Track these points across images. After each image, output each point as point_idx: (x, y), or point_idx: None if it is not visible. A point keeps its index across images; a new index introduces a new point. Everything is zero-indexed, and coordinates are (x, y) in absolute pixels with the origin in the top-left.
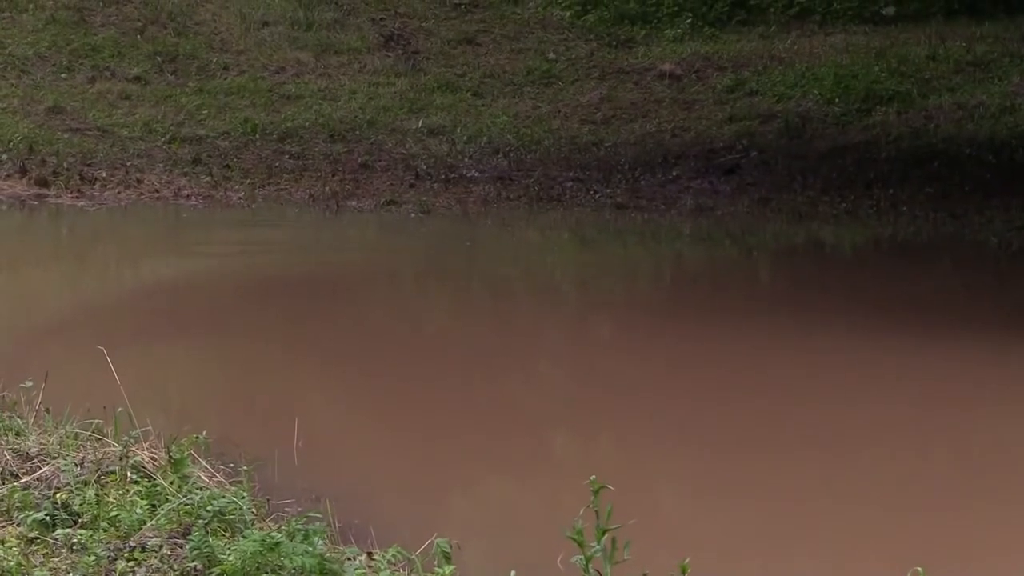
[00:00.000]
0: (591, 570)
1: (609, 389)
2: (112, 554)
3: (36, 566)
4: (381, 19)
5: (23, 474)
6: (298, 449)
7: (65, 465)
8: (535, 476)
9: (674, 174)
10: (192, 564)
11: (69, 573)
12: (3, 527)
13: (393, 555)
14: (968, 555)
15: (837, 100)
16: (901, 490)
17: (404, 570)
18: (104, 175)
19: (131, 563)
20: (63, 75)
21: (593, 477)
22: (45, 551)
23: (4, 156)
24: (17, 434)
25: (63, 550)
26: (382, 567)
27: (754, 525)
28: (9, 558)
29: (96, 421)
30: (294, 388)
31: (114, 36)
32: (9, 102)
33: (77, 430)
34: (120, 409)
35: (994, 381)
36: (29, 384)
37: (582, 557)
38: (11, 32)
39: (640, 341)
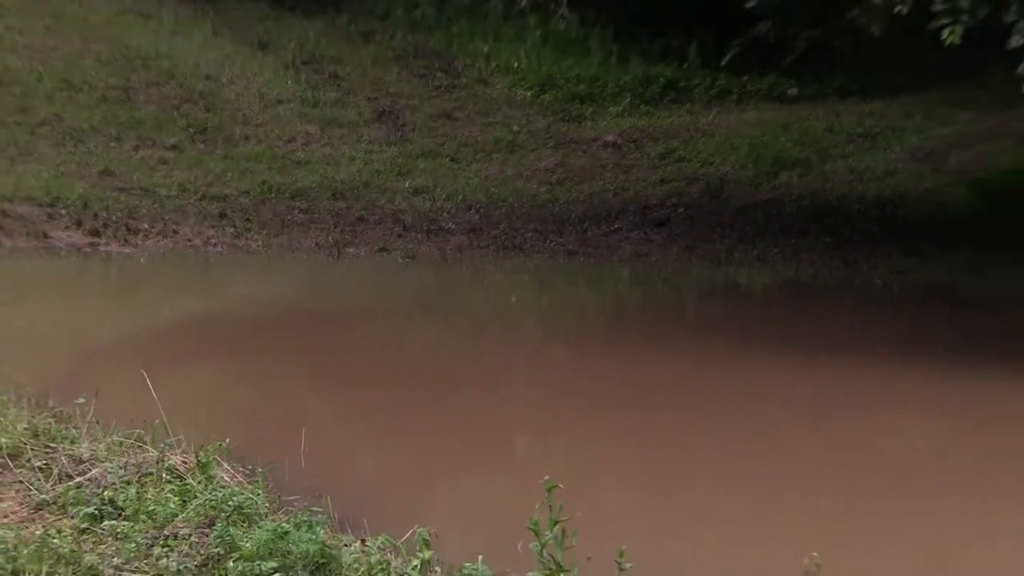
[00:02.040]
0: (545, 554)
1: (563, 402)
2: (150, 541)
3: (87, 552)
4: (375, 98)
5: (76, 475)
6: (304, 454)
7: (111, 468)
8: (502, 475)
9: (616, 226)
10: (216, 549)
11: (114, 558)
12: (59, 519)
13: (382, 542)
14: (858, 542)
15: (750, 165)
16: (803, 484)
17: (392, 555)
18: (146, 227)
19: (165, 549)
20: (112, 144)
21: (547, 478)
22: (94, 539)
23: (63, 211)
24: (72, 442)
25: (109, 538)
26: (373, 552)
27: (681, 515)
28: (64, 545)
29: (137, 431)
30: (302, 403)
31: (155, 112)
32: (68, 166)
33: (121, 439)
34: (157, 421)
35: (874, 393)
36: (82, 400)
37: (538, 544)
38: (69, 108)
39: (589, 362)
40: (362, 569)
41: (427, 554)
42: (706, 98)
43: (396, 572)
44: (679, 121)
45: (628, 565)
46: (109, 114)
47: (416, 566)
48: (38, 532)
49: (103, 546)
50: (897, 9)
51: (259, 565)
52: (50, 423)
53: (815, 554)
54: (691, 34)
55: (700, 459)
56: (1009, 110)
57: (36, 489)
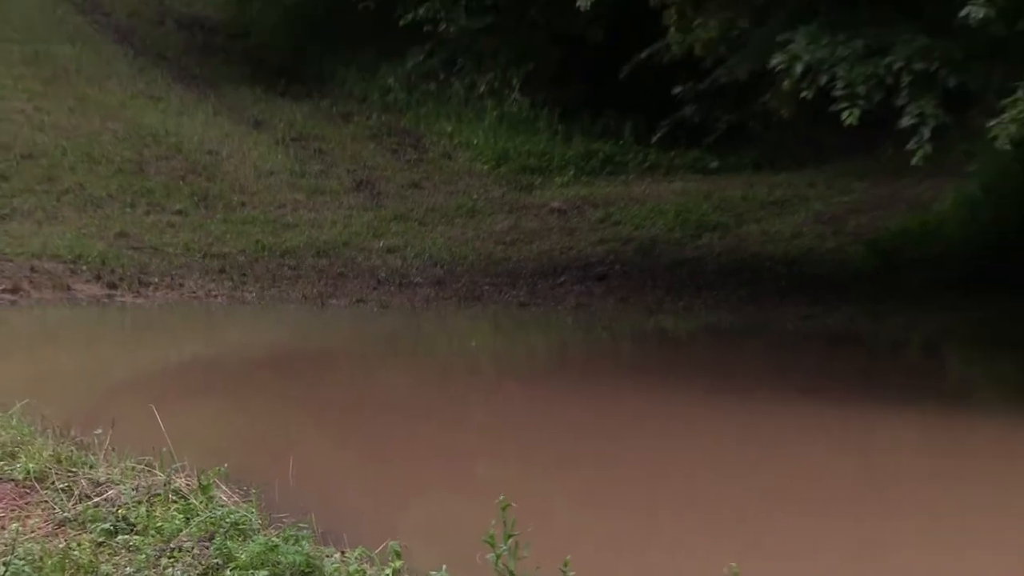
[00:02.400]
0: (500, 564)
1: (516, 430)
2: (158, 553)
3: (103, 562)
4: (354, 170)
5: (94, 496)
6: (292, 477)
7: (125, 489)
8: (464, 495)
9: (561, 280)
10: (215, 560)
11: (127, 567)
12: (79, 534)
13: (359, 554)
14: (768, 554)
15: (676, 228)
16: (723, 503)
17: (367, 564)
18: (156, 281)
19: (171, 560)
20: (127, 209)
21: (502, 497)
22: (110, 551)
23: (84, 267)
24: (91, 467)
25: (123, 551)
26: (351, 562)
27: (619, 530)
28: (83, 556)
29: (147, 458)
30: (290, 433)
31: (164, 182)
32: (88, 229)
33: (134, 464)
34: (164, 449)
35: (782, 421)
36: (99, 431)
37: (494, 555)
38: (89, 179)
39: (538, 396)
40: (338, 572)
41: (398, 563)
42: (639, 170)
43: (359, 570)
44: (616, 190)
45: (572, 574)
46: (124, 184)
47: (388, 574)
48: (61, 545)
49: (117, 557)
50: (803, 94)
51: (253, 574)
52: (72, 451)
53: (734, 564)
54: (626, 115)
55: (634, 480)
56: (898, 180)
57: (59, 508)
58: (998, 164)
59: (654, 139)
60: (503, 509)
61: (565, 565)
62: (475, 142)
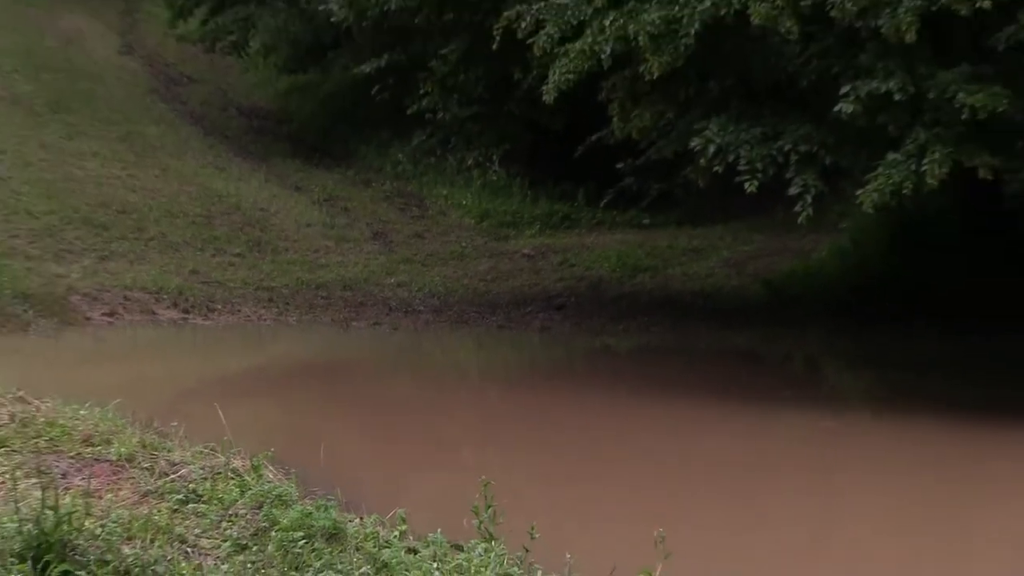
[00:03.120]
0: (482, 528)
1: (493, 422)
2: (219, 518)
3: (177, 525)
4: (372, 223)
5: (171, 474)
6: (323, 460)
7: (194, 468)
8: (456, 474)
9: (529, 309)
10: (263, 524)
11: (195, 528)
12: (158, 503)
13: (374, 520)
14: (689, 521)
15: (618, 269)
16: (657, 482)
17: (380, 527)
18: (219, 307)
19: (230, 523)
20: (198, 252)
21: (483, 477)
22: (182, 516)
23: (165, 296)
24: (168, 451)
25: (192, 516)
26: (368, 526)
27: (576, 503)
28: (161, 520)
29: (212, 444)
30: (322, 425)
31: (226, 231)
32: (168, 267)
33: (201, 449)
34: (225, 437)
35: (698, 416)
36: (175, 424)
37: (478, 521)
38: (170, 228)
39: (510, 395)
40: (360, 537)
41: (403, 527)
42: (589, 225)
43: (383, 539)
44: (571, 240)
45: (537, 535)
46: (196, 233)
47: (396, 535)
48: (144, 511)
49: (188, 521)
50: (715, 169)
51: (292, 534)
52: (154, 438)
53: (660, 529)
54: (580, 184)
55: (587, 463)
56: (788, 234)
57: (143, 482)
58: (863, 223)
59: (602, 202)
60: (484, 486)
61: (532, 529)
62: (464, 203)
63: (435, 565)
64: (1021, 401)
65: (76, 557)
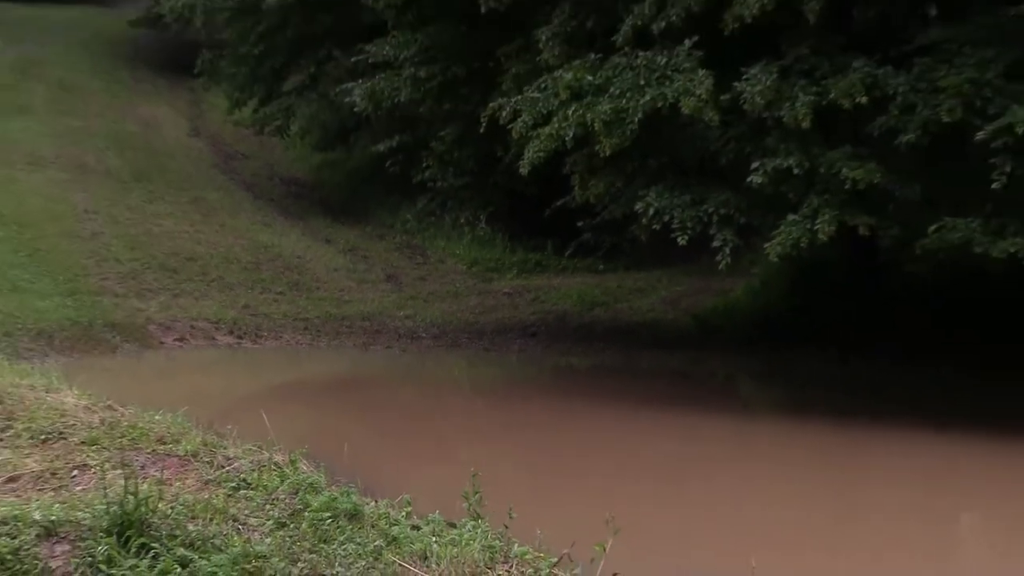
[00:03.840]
0: (471, 509)
1: (483, 423)
2: (264, 501)
3: (231, 507)
4: (385, 269)
5: (226, 466)
6: (346, 455)
7: (245, 462)
8: (451, 467)
9: (509, 336)
10: (299, 506)
11: (245, 510)
12: (216, 489)
13: (386, 503)
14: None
15: (578, 304)
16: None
17: (390, 509)
18: (266, 334)
19: (271, 505)
20: (248, 291)
21: (473, 469)
22: (235, 500)
23: (223, 325)
24: (224, 448)
25: (243, 500)
26: (381, 508)
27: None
28: (218, 503)
29: (258, 443)
30: (346, 425)
31: (271, 274)
32: (225, 302)
33: (250, 447)
34: (269, 437)
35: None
36: (230, 427)
37: (467, 504)
38: (226, 272)
39: (496, 403)
40: (375, 517)
41: (408, 509)
42: (556, 270)
43: (392, 518)
44: (542, 282)
45: (514, 515)
46: (247, 276)
47: (403, 515)
48: (205, 496)
49: (240, 504)
50: (654, 226)
51: (321, 515)
52: (213, 438)
53: (611, 513)
54: (548, 237)
55: (556, 457)
56: (711, 278)
57: (204, 473)
58: (770, 269)
59: (566, 252)
60: (473, 477)
61: (510, 510)
62: (458, 252)
63: (433, 539)
64: (891, 409)
65: (151, 533)
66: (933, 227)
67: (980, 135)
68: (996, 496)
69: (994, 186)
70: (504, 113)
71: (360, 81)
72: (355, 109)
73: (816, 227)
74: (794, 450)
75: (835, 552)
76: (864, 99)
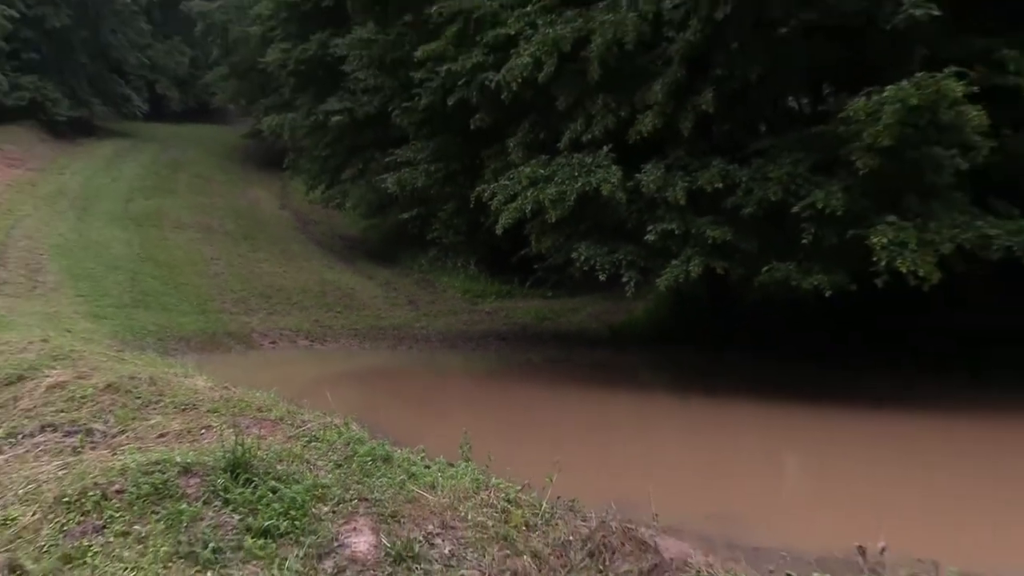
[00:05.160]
0: (464, 454)
1: (472, 398)
2: (327, 450)
3: (305, 454)
4: (408, 296)
5: (302, 427)
6: (382, 419)
7: (314, 425)
8: (452, 428)
9: (489, 339)
10: (350, 452)
11: (315, 455)
12: (295, 441)
13: (408, 451)
14: (582, 452)
15: (534, 319)
16: (561, 430)
17: (411, 454)
18: (330, 339)
19: (332, 452)
20: (318, 311)
21: (465, 429)
22: (308, 449)
23: (301, 333)
24: (301, 415)
25: (313, 448)
26: (405, 455)
27: (517, 441)
28: (296, 450)
29: (324, 411)
30: (381, 399)
31: (332, 300)
32: (304, 318)
33: (319, 414)
34: (330, 407)
35: (573, 395)
36: (305, 401)
37: (461, 451)
38: (303, 299)
39: (481, 383)
40: (401, 460)
41: (423, 455)
42: (520, 296)
43: (412, 461)
44: (511, 304)
45: (492, 459)
46: (316, 300)
47: (420, 459)
48: (288, 447)
49: (310, 451)
50: (584, 268)
51: (365, 458)
52: (294, 408)
53: (556, 464)
54: (515, 275)
55: (521, 420)
56: (622, 301)
57: (288, 431)
58: (661, 296)
59: (527, 285)
60: (465, 434)
61: (489, 456)
62: (456, 285)
63: (439, 474)
64: (740, 385)
65: (252, 470)
66: (765, 268)
67: (794, 209)
68: (817, 441)
69: (803, 242)
70: (486, 194)
71: (392, 173)
72: (388, 191)
73: (689, 268)
74: (682, 415)
75: (693, 473)
76: (720, 185)
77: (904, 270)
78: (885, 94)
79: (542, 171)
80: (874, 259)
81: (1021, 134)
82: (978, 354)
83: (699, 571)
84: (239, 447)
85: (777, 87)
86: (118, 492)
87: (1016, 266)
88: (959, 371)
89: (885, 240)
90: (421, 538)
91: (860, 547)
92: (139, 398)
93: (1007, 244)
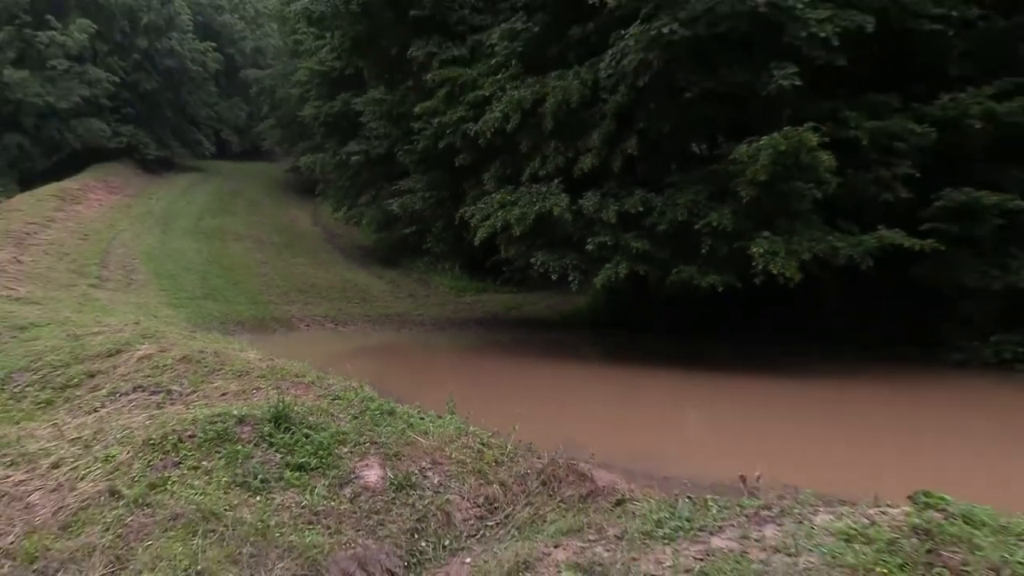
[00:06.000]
0: (450, 409)
1: (457, 368)
2: (347, 405)
3: (331, 410)
4: (408, 291)
5: (327, 388)
6: (389, 383)
7: (337, 386)
8: (441, 387)
9: (469, 324)
10: (364, 407)
11: (337, 409)
12: (323, 400)
13: (407, 407)
14: (538, 409)
15: (502, 308)
16: (526, 391)
17: (408, 408)
18: (350, 323)
19: (351, 407)
20: (342, 302)
21: (451, 390)
22: (334, 405)
23: (329, 318)
24: (328, 379)
25: (336, 404)
26: (405, 410)
27: (490, 399)
28: (324, 406)
29: (344, 376)
30: (388, 368)
31: (352, 294)
32: (329, 307)
33: (341, 378)
34: (351, 375)
35: (529, 360)
36: (331, 369)
37: (448, 406)
38: (329, 293)
39: (462, 356)
40: (403, 414)
41: (419, 409)
42: (493, 291)
43: (411, 414)
44: (486, 298)
45: (471, 414)
46: (340, 294)
47: (416, 412)
48: (318, 404)
49: (334, 407)
50: (540, 270)
51: (375, 412)
52: (323, 374)
53: (517, 420)
54: (488, 276)
55: (493, 384)
56: (568, 295)
57: (317, 392)
58: (597, 291)
59: (498, 283)
60: (450, 394)
61: (469, 413)
62: (445, 283)
63: (430, 424)
64: (661, 362)
65: (291, 420)
66: (675, 271)
67: (696, 226)
68: (713, 399)
69: (703, 251)
70: (467, 214)
71: (396, 199)
72: (394, 212)
73: (619, 270)
74: (604, 377)
75: (621, 422)
76: (641, 208)
77: (775, 272)
78: (761, 142)
79: (509, 197)
80: (754, 264)
81: (859, 173)
82: (830, 335)
83: (623, 494)
84: (281, 403)
85: (684, 137)
86: (190, 436)
87: (856, 270)
88: (815, 348)
89: (762, 250)
90: (417, 471)
91: (742, 476)
92: (206, 367)
93: (849, 253)
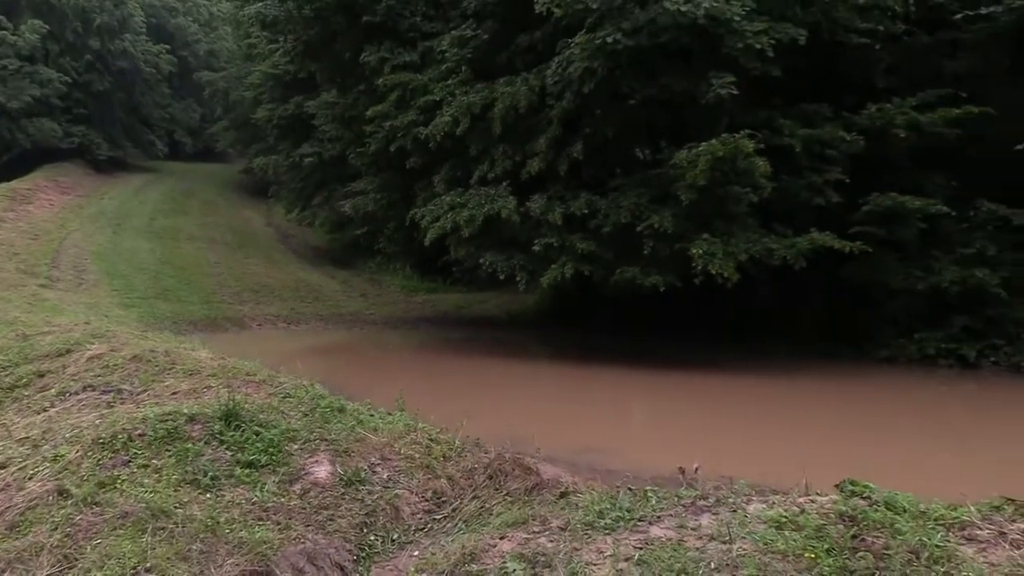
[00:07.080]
0: (399, 405)
1: (407, 365)
2: (298, 403)
3: (281, 407)
4: (360, 290)
5: (278, 386)
6: (340, 380)
7: (288, 386)
8: (391, 385)
9: (420, 322)
10: (314, 405)
11: (290, 408)
12: (273, 398)
13: (357, 404)
14: (490, 404)
15: (453, 307)
16: (475, 387)
17: (360, 407)
18: (302, 322)
19: (301, 404)
20: (294, 302)
21: (401, 388)
22: (284, 403)
23: (281, 317)
24: (279, 378)
25: (287, 402)
26: (355, 407)
27: (441, 395)
28: (275, 404)
29: (296, 375)
30: (339, 366)
31: (304, 293)
32: (282, 307)
33: (293, 378)
34: (302, 373)
35: (488, 356)
36: (282, 368)
37: (398, 403)
38: (283, 293)
39: (413, 355)
40: (353, 411)
41: (369, 407)
42: (443, 291)
43: (360, 411)
44: (436, 297)
45: (419, 410)
46: (293, 294)
47: (366, 409)
48: (268, 402)
49: (284, 405)
50: (489, 271)
51: (325, 409)
52: (273, 373)
53: (465, 416)
54: (439, 275)
55: (444, 380)
56: (518, 296)
57: (268, 390)
58: (544, 291)
59: (448, 282)
60: (400, 391)
61: (418, 410)
62: (396, 283)
63: (380, 420)
64: (604, 359)
65: (241, 418)
66: (618, 271)
67: (639, 228)
68: (654, 394)
69: (645, 252)
70: (418, 216)
71: (349, 200)
72: (346, 213)
73: (564, 271)
74: (551, 374)
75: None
76: (586, 211)
77: (714, 272)
78: (701, 148)
79: (459, 200)
80: (694, 264)
81: (793, 178)
82: (765, 333)
83: (567, 487)
84: (231, 402)
85: (627, 141)
86: (140, 435)
87: (790, 270)
88: (752, 346)
89: (701, 251)
90: (366, 467)
91: (681, 468)
92: (157, 366)
93: (783, 255)
